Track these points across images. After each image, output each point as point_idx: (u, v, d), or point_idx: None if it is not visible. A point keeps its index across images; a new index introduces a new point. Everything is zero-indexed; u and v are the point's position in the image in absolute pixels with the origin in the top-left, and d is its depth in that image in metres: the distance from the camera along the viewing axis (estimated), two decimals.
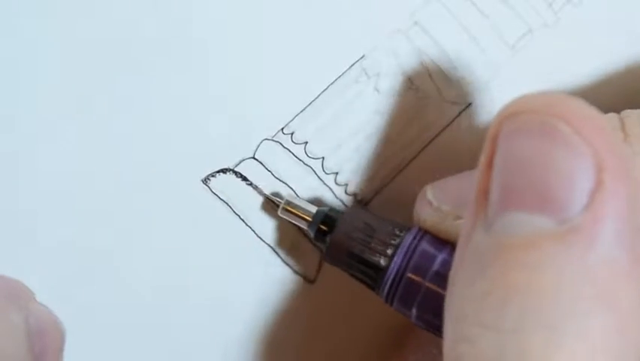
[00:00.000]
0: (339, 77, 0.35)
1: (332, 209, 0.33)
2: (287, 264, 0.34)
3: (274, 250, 0.34)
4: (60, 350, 0.30)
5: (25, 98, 0.32)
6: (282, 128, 0.34)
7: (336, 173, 0.35)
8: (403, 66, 0.35)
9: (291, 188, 0.34)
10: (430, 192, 0.32)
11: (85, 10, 0.33)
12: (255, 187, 0.34)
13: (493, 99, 0.35)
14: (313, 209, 0.33)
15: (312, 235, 0.33)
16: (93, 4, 0.33)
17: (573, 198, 0.23)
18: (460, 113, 0.35)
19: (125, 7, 0.33)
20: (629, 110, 0.32)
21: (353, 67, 0.35)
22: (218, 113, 0.34)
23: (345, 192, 0.35)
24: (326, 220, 0.33)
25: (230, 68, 0.34)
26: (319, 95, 0.34)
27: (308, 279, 0.35)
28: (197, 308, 0.34)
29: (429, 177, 0.34)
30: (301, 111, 0.34)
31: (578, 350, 0.22)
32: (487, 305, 0.23)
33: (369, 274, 0.32)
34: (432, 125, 0.35)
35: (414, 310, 0.31)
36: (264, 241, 0.34)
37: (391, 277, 0.31)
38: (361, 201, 0.35)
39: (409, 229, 0.32)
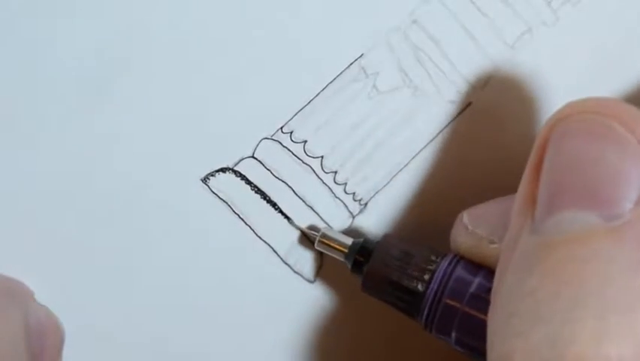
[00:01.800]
0: (338, 75, 0.35)
1: (367, 240, 0.33)
2: (286, 263, 0.34)
3: (273, 250, 0.34)
4: (59, 349, 0.30)
5: (24, 97, 0.32)
6: (281, 127, 0.34)
7: (335, 172, 0.35)
8: (402, 65, 0.35)
9: (290, 188, 0.34)
10: (465, 217, 0.32)
11: (84, 9, 0.33)
12: (291, 221, 0.34)
13: (492, 98, 0.35)
14: (349, 241, 0.34)
15: (349, 266, 0.33)
16: (93, 4, 0.33)
17: (624, 195, 0.24)
18: (459, 112, 0.35)
19: (124, 7, 0.33)
20: None
21: (352, 66, 0.35)
22: (217, 112, 0.34)
23: (345, 191, 0.35)
24: (362, 251, 0.33)
25: (228, 67, 0.34)
26: (318, 94, 0.34)
27: (307, 279, 0.35)
28: (196, 308, 0.34)
29: (428, 176, 0.34)
30: (300, 110, 0.34)
31: (626, 340, 0.23)
32: (537, 299, 0.24)
33: (408, 300, 0.32)
34: (431, 124, 0.35)
35: (453, 335, 0.31)
36: (263, 241, 0.34)
37: (429, 301, 0.31)
38: (361, 201, 0.35)
39: (444, 255, 0.32)
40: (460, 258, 0.32)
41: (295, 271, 0.35)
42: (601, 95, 0.34)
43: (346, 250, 0.33)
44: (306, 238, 0.35)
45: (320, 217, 0.35)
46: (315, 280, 0.35)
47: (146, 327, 0.34)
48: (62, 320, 0.32)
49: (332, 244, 0.34)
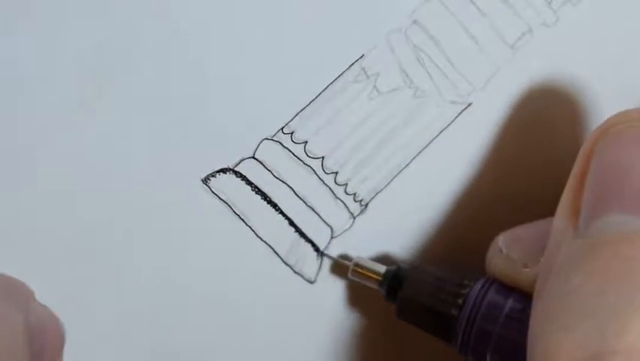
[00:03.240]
0: (339, 76, 0.35)
1: (399, 267, 0.34)
2: (287, 264, 0.34)
3: (274, 251, 0.34)
4: (60, 349, 0.30)
5: (24, 96, 0.32)
6: (282, 128, 0.34)
7: (336, 173, 0.35)
8: (403, 65, 0.35)
9: (290, 188, 0.34)
10: (501, 240, 0.32)
11: (85, 8, 0.33)
12: (324, 253, 0.35)
13: (493, 99, 0.35)
14: (382, 268, 0.34)
15: (383, 293, 0.34)
16: (92, 5, 0.33)
17: None
18: (460, 113, 0.35)
19: (124, 7, 0.33)
20: None
21: (352, 66, 0.35)
22: (218, 112, 0.34)
23: (345, 192, 0.35)
24: (395, 278, 0.33)
25: (229, 68, 0.34)
26: (319, 95, 0.34)
27: (308, 279, 0.35)
28: (196, 308, 0.34)
29: (429, 177, 0.34)
30: (301, 111, 0.34)
31: None
32: (583, 295, 0.24)
33: (442, 325, 0.32)
34: (432, 124, 0.35)
35: (488, 357, 0.31)
36: (263, 241, 0.34)
37: (462, 325, 0.31)
38: (362, 202, 0.35)
39: (477, 278, 0.32)
40: (493, 281, 0.32)
41: (296, 272, 0.35)
42: (600, 94, 0.34)
43: (380, 278, 0.34)
44: (339, 267, 0.35)
45: (320, 218, 0.34)
46: (315, 281, 0.35)
47: (146, 327, 0.34)
48: (62, 320, 0.32)
49: (365, 273, 0.34)
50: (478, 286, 0.32)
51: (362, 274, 0.34)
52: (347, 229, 0.35)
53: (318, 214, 0.35)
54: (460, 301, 0.32)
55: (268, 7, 0.34)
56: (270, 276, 0.34)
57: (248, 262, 0.34)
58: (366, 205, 0.35)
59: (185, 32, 0.33)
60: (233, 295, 0.34)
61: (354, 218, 0.35)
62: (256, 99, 0.34)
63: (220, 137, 0.34)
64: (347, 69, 0.35)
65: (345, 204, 0.35)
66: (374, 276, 0.34)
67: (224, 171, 0.34)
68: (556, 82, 0.36)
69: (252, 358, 0.35)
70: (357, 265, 0.34)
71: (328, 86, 0.34)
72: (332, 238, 0.35)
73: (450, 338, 0.32)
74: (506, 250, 0.32)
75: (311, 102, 0.34)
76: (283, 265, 0.35)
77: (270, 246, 0.34)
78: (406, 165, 0.35)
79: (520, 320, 0.30)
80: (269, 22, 0.34)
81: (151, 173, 0.33)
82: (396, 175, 0.35)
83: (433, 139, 0.35)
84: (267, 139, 0.34)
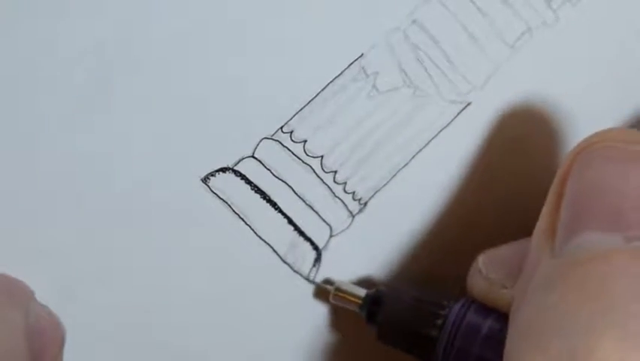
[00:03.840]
0: (338, 75, 0.35)
1: (379, 290, 0.34)
2: (286, 262, 0.35)
3: (273, 249, 0.34)
4: (59, 349, 0.30)
5: (24, 96, 0.33)
6: (282, 127, 0.34)
7: (335, 171, 0.35)
8: (402, 65, 0.35)
9: (290, 187, 0.34)
10: (481, 261, 0.32)
11: (85, 8, 0.33)
12: (307, 278, 0.35)
13: (492, 99, 0.35)
14: (362, 292, 0.34)
15: (364, 317, 0.34)
16: (92, 5, 0.33)
17: None
18: (459, 112, 0.35)
19: (123, 7, 0.33)
20: None
21: (352, 65, 0.35)
22: (217, 111, 0.34)
23: (344, 191, 0.35)
24: (375, 301, 0.34)
25: (228, 67, 0.34)
26: (318, 94, 0.34)
27: (306, 278, 0.35)
28: (195, 308, 0.34)
29: (428, 177, 0.34)
30: (300, 110, 0.34)
31: None
32: (558, 313, 0.24)
33: (422, 346, 0.32)
34: (431, 124, 0.35)
35: None
36: (263, 240, 0.34)
37: (443, 346, 0.31)
38: (360, 201, 0.35)
39: (457, 299, 0.32)
40: (472, 301, 0.32)
41: (295, 270, 0.35)
42: (599, 94, 0.34)
43: (360, 302, 0.34)
44: (322, 292, 0.35)
45: (319, 216, 0.35)
46: (314, 279, 0.35)
47: (145, 326, 0.34)
48: (62, 320, 0.32)
49: (346, 297, 0.34)
50: (457, 306, 0.32)
51: (343, 298, 0.34)
52: (346, 228, 0.35)
53: (317, 213, 0.35)
54: (439, 321, 0.32)
55: (267, 7, 0.34)
56: (268, 274, 0.34)
57: (247, 261, 0.34)
58: (365, 204, 0.35)
59: (184, 32, 0.33)
60: (232, 293, 0.34)
61: (353, 217, 0.35)
62: (255, 98, 0.34)
63: (219, 136, 0.34)
64: (346, 68, 0.35)
65: (344, 203, 0.35)
66: (354, 300, 0.34)
67: (223, 170, 0.34)
68: (556, 81, 0.36)
69: (250, 356, 0.35)
70: (338, 289, 0.34)
71: (328, 84, 0.35)
72: (331, 236, 0.35)
73: (430, 359, 0.32)
74: (485, 271, 0.32)
75: (310, 101, 0.34)
76: (282, 263, 0.35)
77: (269, 244, 0.34)
78: (406, 164, 0.35)
79: (498, 341, 0.30)
80: (268, 22, 0.34)
81: (150, 172, 0.33)
82: (395, 174, 0.35)
83: (433, 138, 0.35)
84: (266, 138, 0.34)
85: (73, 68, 0.33)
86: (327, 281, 0.35)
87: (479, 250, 0.33)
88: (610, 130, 0.26)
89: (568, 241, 0.25)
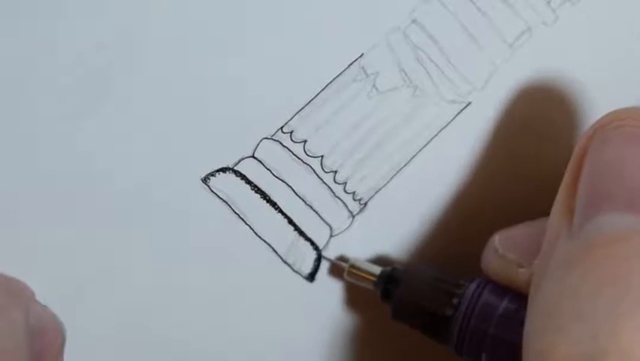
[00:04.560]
0: (338, 75, 0.35)
1: (394, 268, 0.34)
2: (286, 262, 0.35)
3: (273, 249, 0.34)
4: (60, 349, 0.30)
5: (24, 96, 0.33)
6: (282, 127, 0.34)
7: (335, 171, 0.35)
8: (402, 65, 0.35)
9: (290, 187, 0.34)
10: (497, 239, 0.32)
11: (85, 8, 0.33)
12: (322, 256, 0.35)
13: (492, 98, 0.35)
14: (377, 270, 0.34)
15: (378, 294, 0.34)
16: (92, 6, 0.33)
17: None
18: (459, 112, 0.35)
19: (124, 8, 0.33)
20: None
21: (352, 66, 0.35)
22: (217, 112, 0.34)
23: (345, 191, 0.35)
24: (390, 279, 0.34)
25: (228, 67, 0.34)
26: (318, 94, 0.35)
27: (306, 277, 0.35)
28: (196, 308, 0.34)
29: (428, 176, 0.35)
30: (300, 110, 0.34)
31: None
32: (578, 296, 0.24)
33: (437, 326, 0.32)
34: (431, 123, 0.35)
35: (483, 357, 0.31)
36: (263, 240, 0.34)
37: (458, 326, 0.31)
38: (361, 201, 0.35)
39: (472, 278, 0.32)
40: (488, 281, 0.32)
41: (295, 270, 0.35)
42: (599, 92, 0.35)
43: (375, 279, 0.34)
44: (336, 268, 0.35)
45: (320, 216, 0.35)
46: (314, 279, 0.35)
47: (145, 326, 0.34)
48: (63, 320, 0.32)
49: (361, 274, 0.34)
50: (473, 286, 0.32)
51: (357, 275, 0.34)
52: (346, 228, 0.35)
53: (317, 213, 0.35)
54: (455, 301, 0.32)
55: (267, 7, 0.34)
56: (269, 274, 0.34)
57: (247, 261, 0.34)
58: (365, 204, 0.35)
59: (184, 33, 0.33)
60: (233, 293, 0.34)
61: (354, 217, 0.35)
62: (255, 99, 0.34)
63: (219, 136, 0.34)
64: (346, 68, 0.35)
65: (344, 203, 0.35)
66: (369, 277, 0.34)
67: (223, 170, 0.34)
68: (555, 81, 0.36)
69: (250, 356, 0.35)
70: (352, 266, 0.34)
71: (327, 85, 0.35)
72: (331, 236, 0.35)
73: (445, 339, 0.32)
74: (502, 250, 0.32)
75: (310, 101, 0.34)
76: (282, 263, 0.35)
77: (269, 245, 0.34)
78: (406, 164, 0.35)
79: (514, 320, 0.30)
80: (268, 22, 0.34)
81: (151, 172, 0.34)
82: (395, 174, 0.35)
83: (433, 138, 0.35)
84: (266, 138, 0.34)
85: (74, 68, 0.33)
86: (342, 258, 0.35)
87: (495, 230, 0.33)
88: (626, 110, 0.26)
89: (586, 221, 0.25)
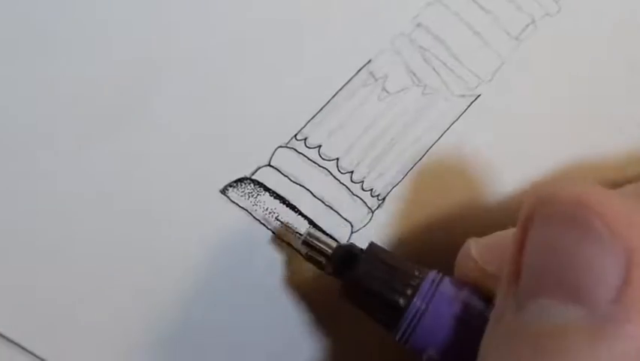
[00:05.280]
0: (348, 82, 0.35)
1: (352, 245, 0.33)
2: (311, 262, 0.34)
3: (298, 252, 0.34)
4: None
5: (53, 113, 0.34)
6: (295, 135, 0.35)
7: (352, 172, 0.35)
8: (410, 66, 0.36)
9: (308, 190, 0.35)
10: (474, 250, 0.32)
11: (102, 23, 0.34)
12: (278, 219, 0.35)
13: (500, 90, 0.36)
14: (334, 243, 0.33)
15: (331, 269, 0.33)
16: (110, 19, 0.35)
17: (602, 291, 0.24)
18: (468, 105, 0.36)
19: (144, 29, 0.35)
20: None
21: (360, 72, 0.36)
22: (232, 124, 0.35)
23: (362, 188, 0.35)
24: (346, 256, 0.33)
25: (241, 81, 0.35)
26: (329, 101, 0.35)
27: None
28: (220, 313, 0.34)
29: (443, 169, 0.35)
30: (312, 117, 0.35)
31: None
32: None
33: (386, 313, 0.31)
34: (442, 118, 0.36)
35: (428, 351, 0.30)
36: (287, 243, 0.34)
37: (409, 317, 0.31)
38: (379, 197, 0.35)
39: (428, 271, 0.32)
40: (444, 275, 0.31)
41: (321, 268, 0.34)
42: (604, 81, 0.35)
43: (330, 252, 0.33)
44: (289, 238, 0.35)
45: (340, 215, 0.35)
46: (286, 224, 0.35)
47: (170, 336, 0.34)
48: (85, 328, 0.33)
49: (317, 245, 0.33)
50: (429, 279, 0.31)
51: (312, 246, 0.33)
52: (367, 223, 0.35)
53: (337, 212, 0.35)
54: (409, 291, 0.31)
55: (275, 24, 0.35)
56: (293, 275, 0.35)
57: (271, 266, 0.34)
58: (384, 199, 0.35)
59: (200, 46, 0.35)
60: (261, 295, 0.34)
61: (373, 212, 0.35)
62: (268, 109, 0.35)
63: (235, 148, 0.35)
64: (355, 75, 0.36)
65: (362, 200, 0.35)
66: (324, 250, 0.33)
67: (241, 180, 0.35)
68: (561, 70, 0.36)
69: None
70: (310, 235, 0.33)
71: (338, 92, 0.35)
72: (352, 233, 0.35)
73: (391, 326, 0.31)
74: (481, 262, 0.31)
75: (322, 109, 0.35)
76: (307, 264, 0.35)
77: (292, 247, 0.35)
78: (420, 158, 0.35)
79: (466, 320, 0.30)
80: (277, 38, 0.35)
81: (169, 187, 0.34)
82: (411, 168, 0.35)
83: (445, 132, 0.36)
84: (281, 147, 0.35)
85: (99, 87, 0.34)
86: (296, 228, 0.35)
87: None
88: (566, 186, 0.26)
89: (529, 300, 0.25)
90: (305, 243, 0.33)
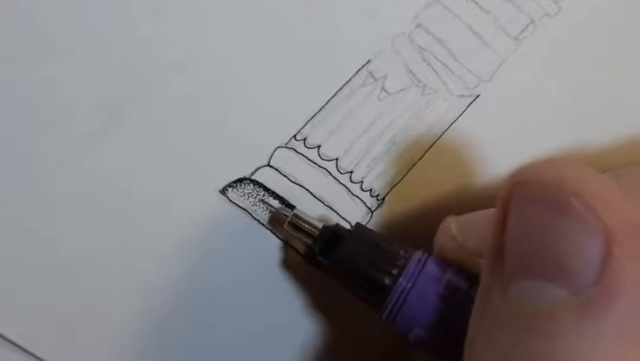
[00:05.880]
0: (347, 82, 0.35)
1: (338, 226, 0.33)
2: (311, 263, 0.34)
3: (297, 251, 0.35)
4: None
5: (53, 115, 0.34)
6: (295, 135, 0.35)
7: (351, 172, 0.35)
8: (409, 66, 0.36)
9: (308, 190, 0.35)
10: (454, 227, 0.32)
11: (102, 23, 0.34)
12: (265, 201, 0.35)
13: (500, 90, 0.36)
14: (320, 225, 0.33)
15: (316, 250, 0.33)
16: (110, 19, 0.34)
17: (585, 271, 0.24)
18: (468, 105, 0.36)
19: (139, 22, 0.35)
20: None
21: (360, 72, 0.36)
22: (232, 126, 0.35)
23: (361, 189, 0.35)
24: (332, 237, 0.33)
25: (240, 82, 0.35)
26: (328, 101, 0.35)
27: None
28: (222, 312, 0.34)
29: (442, 169, 0.35)
30: (312, 118, 0.35)
31: None
32: None
33: (372, 292, 0.32)
34: (442, 118, 0.36)
35: (415, 330, 0.31)
36: (287, 243, 0.35)
37: (395, 297, 0.31)
38: (378, 197, 0.35)
39: (414, 251, 0.32)
40: (429, 255, 0.32)
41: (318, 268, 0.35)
42: (603, 80, 0.35)
43: (316, 233, 0.33)
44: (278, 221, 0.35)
45: (339, 215, 0.35)
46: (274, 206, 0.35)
47: (168, 337, 0.34)
48: (88, 332, 0.33)
49: (303, 226, 0.33)
50: (415, 258, 0.31)
51: (298, 227, 0.33)
52: (366, 223, 0.35)
53: (336, 212, 0.35)
54: (394, 271, 0.31)
55: (274, 25, 0.35)
56: (293, 275, 0.35)
57: (271, 264, 0.34)
58: (383, 199, 0.35)
59: (199, 47, 0.35)
60: (260, 297, 0.34)
61: (372, 212, 0.35)
62: (267, 110, 0.35)
63: (235, 148, 0.35)
64: (354, 75, 0.36)
65: (362, 200, 0.35)
66: (310, 231, 0.33)
67: (241, 180, 0.35)
68: (561, 70, 0.36)
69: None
70: (296, 216, 0.34)
71: (337, 92, 0.35)
72: None
73: (378, 306, 0.31)
74: (460, 239, 0.31)
75: (321, 109, 0.35)
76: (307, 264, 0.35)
77: (292, 247, 0.35)
78: (420, 159, 0.35)
79: (452, 299, 0.30)
80: (276, 36, 0.35)
81: (169, 188, 0.34)
82: (410, 169, 0.35)
83: (444, 132, 0.36)
84: (280, 147, 0.35)
85: (99, 87, 0.34)
86: (284, 209, 0.35)
87: None
88: (544, 165, 0.26)
89: (514, 280, 0.25)
90: (291, 224, 0.33)
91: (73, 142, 0.34)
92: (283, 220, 0.34)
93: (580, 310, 0.24)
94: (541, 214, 0.25)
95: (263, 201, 0.34)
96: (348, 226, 0.35)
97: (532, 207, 0.25)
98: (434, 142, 0.36)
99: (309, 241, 0.33)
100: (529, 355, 0.24)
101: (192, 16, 0.35)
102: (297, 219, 0.33)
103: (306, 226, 0.33)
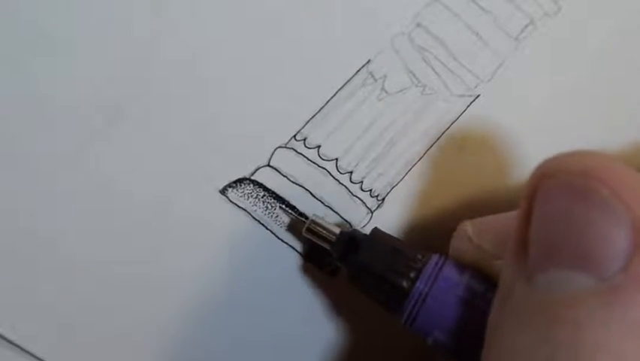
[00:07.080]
0: (347, 82, 0.35)
1: (355, 231, 0.34)
2: (310, 263, 0.34)
3: (296, 250, 0.35)
4: None
5: (53, 114, 0.34)
6: (295, 135, 0.35)
7: (351, 172, 0.35)
8: (409, 66, 0.36)
9: (307, 190, 0.35)
10: (470, 229, 0.32)
11: (102, 23, 0.34)
12: (282, 208, 0.35)
13: (500, 90, 0.36)
14: (337, 230, 0.34)
15: (335, 255, 0.33)
16: (110, 18, 0.34)
17: (611, 259, 0.24)
18: (468, 105, 0.36)
19: (139, 22, 0.35)
20: None
21: (360, 72, 0.36)
22: (232, 126, 0.35)
23: (361, 189, 0.35)
24: (350, 242, 0.33)
25: (239, 82, 0.35)
26: (328, 101, 0.35)
27: (329, 274, 0.35)
28: (222, 310, 0.34)
29: (442, 169, 0.35)
30: (311, 118, 0.35)
31: None
32: (534, 358, 0.24)
33: (391, 296, 0.32)
34: (441, 118, 0.36)
35: (434, 334, 0.31)
36: (285, 243, 0.35)
37: (413, 300, 0.31)
38: (378, 197, 0.35)
39: (431, 254, 0.32)
40: (447, 258, 0.32)
41: (320, 269, 0.35)
42: (603, 79, 0.35)
43: (334, 239, 0.33)
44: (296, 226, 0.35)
45: (339, 215, 0.35)
46: (336, 275, 0.35)
47: (173, 336, 0.34)
48: (88, 333, 0.33)
49: (320, 232, 0.34)
50: (432, 262, 0.31)
51: (316, 233, 0.33)
52: (366, 224, 0.35)
53: (336, 212, 0.35)
54: (412, 274, 0.31)
55: (274, 24, 0.35)
56: (293, 274, 0.35)
57: (271, 264, 0.34)
58: (383, 200, 0.35)
59: (200, 48, 0.35)
60: (260, 295, 0.34)
61: (372, 213, 0.35)
62: (267, 111, 0.35)
63: (235, 148, 0.35)
64: (354, 75, 0.35)
65: (362, 201, 0.35)
66: (328, 237, 0.33)
67: (240, 180, 0.34)
68: (561, 68, 0.36)
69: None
70: (313, 222, 0.34)
71: (337, 92, 0.35)
72: None
73: (396, 310, 0.31)
74: (477, 241, 0.31)
75: (321, 109, 0.35)
76: (306, 263, 0.35)
77: (291, 247, 0.35)
78: (419, 159, 0.35)
79: (470, 302, 0.30)
80: (276, 36, 0.35)
81: (169, 188, 0.34)
82: (410, 169, 0.35)
83: (444, 132, 0.36)
84: (280, 147, 0.35)
85: (99, 87, 0.34)
86: (303, 215, 0.35)
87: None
88: (571, 157, 0.26)
89: (540, 270, 0.25)
90: (309, 230, 0.33)
91: (73, 142, 0.33)
92: (294, 223, 0.34)
93: (607, 298, 0.24)
94: (567, 203, 0.25)
95: (280, 208, 0.34)
96: (348, 226, 0.34)
97: (558, 196, 0.25)
98: (434, 142, 0.36)
99: (327, 247, 0.33)
100: (555, 344, 0.24)
101: (192, 16, 0.35)
102: (314, 225, 0.34)
103: (324, 231, 0.33)
